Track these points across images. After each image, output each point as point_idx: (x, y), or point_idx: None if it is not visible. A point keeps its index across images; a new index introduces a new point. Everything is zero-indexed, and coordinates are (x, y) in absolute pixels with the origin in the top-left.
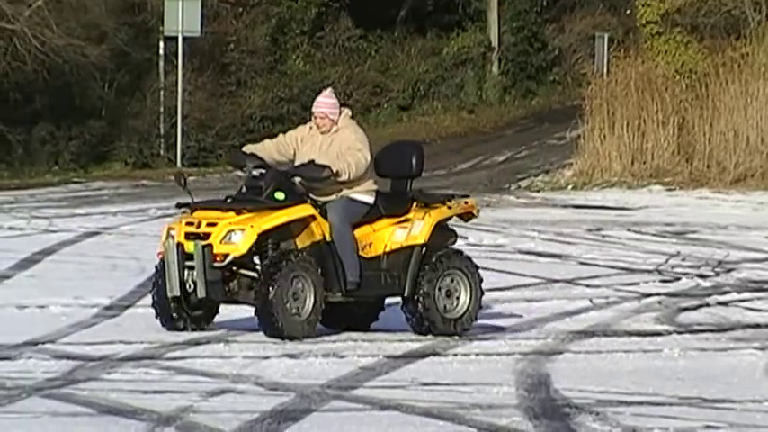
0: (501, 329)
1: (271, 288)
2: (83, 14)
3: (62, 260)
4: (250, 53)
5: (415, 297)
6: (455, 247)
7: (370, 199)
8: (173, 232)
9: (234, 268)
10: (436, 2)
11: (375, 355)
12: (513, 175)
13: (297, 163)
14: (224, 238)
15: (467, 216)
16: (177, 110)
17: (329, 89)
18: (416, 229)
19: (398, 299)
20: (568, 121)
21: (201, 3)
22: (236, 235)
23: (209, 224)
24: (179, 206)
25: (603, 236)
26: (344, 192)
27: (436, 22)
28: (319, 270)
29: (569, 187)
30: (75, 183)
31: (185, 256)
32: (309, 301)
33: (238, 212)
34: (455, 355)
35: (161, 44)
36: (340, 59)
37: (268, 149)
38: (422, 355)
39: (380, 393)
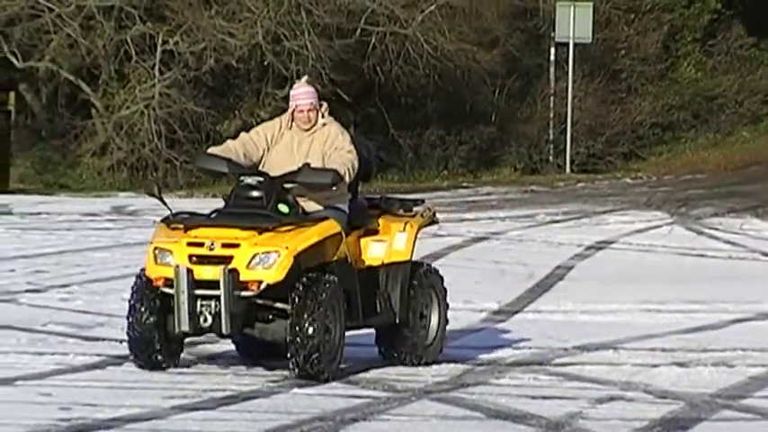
0: None
1: (311, 322)
2: (474, 19)
3: (450, 264)
4: (641, 60)
5: (408, 323)
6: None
7: (347, 208)
8: (169, 257)
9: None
10: None
11: (765, 365)
12: None
13: (268, 168)
14: (252, 261)
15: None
16: (567, 116)
17: (305, 77)
18: (400, 243)
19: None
20: None
21: (593, 9)
22: (269, 258)
23: (227, 245)
24: (168, 221)
25: None
26: (329, 201)
27: None
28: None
29: None
30: (464, 187)
31: (195, 284)
32: (336, 334)
33: (260, 231)
34: None
35: (552, 50)
36: (732, 67)
37: (234, 151)
38: None
39: None
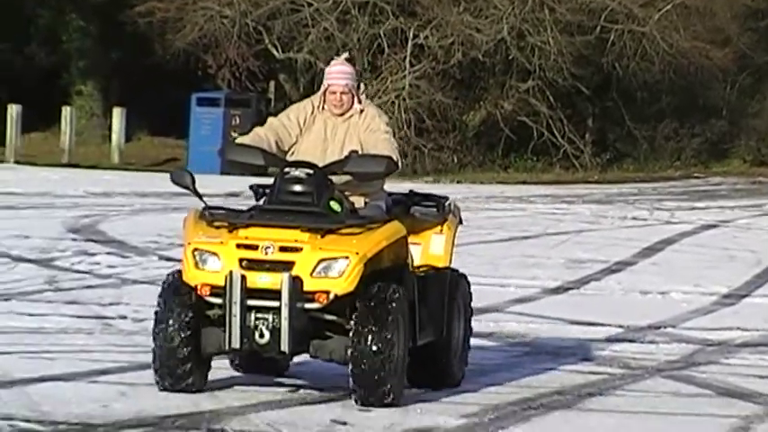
0: None
1: (376, 340)
2: (708, 19)
3: (682, 250)
4: None
5: (449, 340)
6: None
7: (384, 205)
8: (213, 260)
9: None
10: None
11: None
12: None
13: (297, 158)
14: (317, 268)
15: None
16: None
17: (344, 54)
18: (437, 246)
19: None
20: None
21: None
22: (337, 265)
23: (286, 248)
24: (206, 218)
25: None
26: (370, 197)
27: None
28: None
29: None
30: (696, 178)
31: (247, 293)
32: (399, 353)
33: (323, 233)
34: None
35: None
36: None
37: (266, 140)
38: None
39: None
